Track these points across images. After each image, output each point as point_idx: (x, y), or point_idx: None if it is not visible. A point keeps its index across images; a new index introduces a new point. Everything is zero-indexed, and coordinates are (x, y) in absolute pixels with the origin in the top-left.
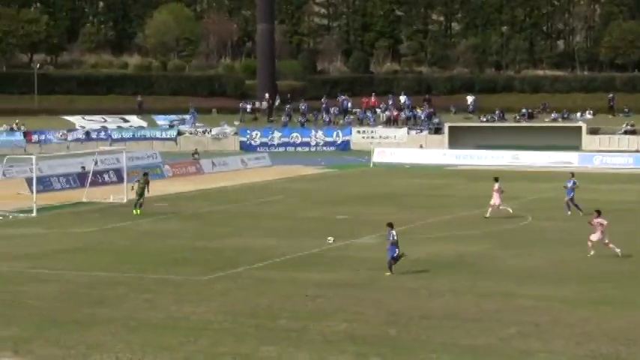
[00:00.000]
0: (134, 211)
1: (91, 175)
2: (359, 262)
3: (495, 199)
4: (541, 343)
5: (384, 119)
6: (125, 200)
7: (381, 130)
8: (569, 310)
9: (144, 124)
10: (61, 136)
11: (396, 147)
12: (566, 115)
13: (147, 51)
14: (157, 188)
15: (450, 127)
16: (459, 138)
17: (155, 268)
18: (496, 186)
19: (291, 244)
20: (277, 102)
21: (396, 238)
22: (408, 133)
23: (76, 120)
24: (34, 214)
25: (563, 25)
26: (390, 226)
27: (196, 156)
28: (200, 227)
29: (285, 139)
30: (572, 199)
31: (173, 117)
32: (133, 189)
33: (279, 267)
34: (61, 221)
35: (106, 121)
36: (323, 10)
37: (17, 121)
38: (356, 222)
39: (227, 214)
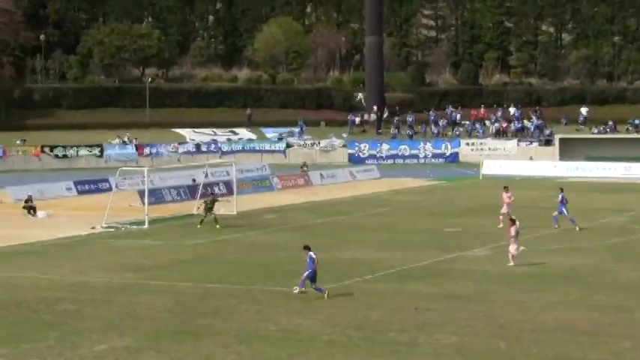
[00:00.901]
0: (199, 225)
1: (201, 187)
2: (467, 274)
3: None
4: None
5: (493, 131)
6: (235, 212)
7: (490, 142)
8: None
9: (253, 136)
10: (172, 148)
11: (506, 159)
12: None
13: (256, 64)
14: (266, 200)
15: (561, 139)
16: (569, 150)
17: (265, 279)
18: (505, 194)
19: (400, 257)
20: (386, 114)
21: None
22: (518, 145)
23: (187, 133)
24: (146, 225)
25: None
26: (307, 249)
27: (305, 168)
28: (308, 239)
29: (394, 152)
30: (561, 213)
31: (282, 129)
32: (198, 209)
33: (387, 279)
34: (172, 233)
35: (215, 133)
36: (431, 22)
37: (128, 134)
38: (465, 234)
39: (335, 226)
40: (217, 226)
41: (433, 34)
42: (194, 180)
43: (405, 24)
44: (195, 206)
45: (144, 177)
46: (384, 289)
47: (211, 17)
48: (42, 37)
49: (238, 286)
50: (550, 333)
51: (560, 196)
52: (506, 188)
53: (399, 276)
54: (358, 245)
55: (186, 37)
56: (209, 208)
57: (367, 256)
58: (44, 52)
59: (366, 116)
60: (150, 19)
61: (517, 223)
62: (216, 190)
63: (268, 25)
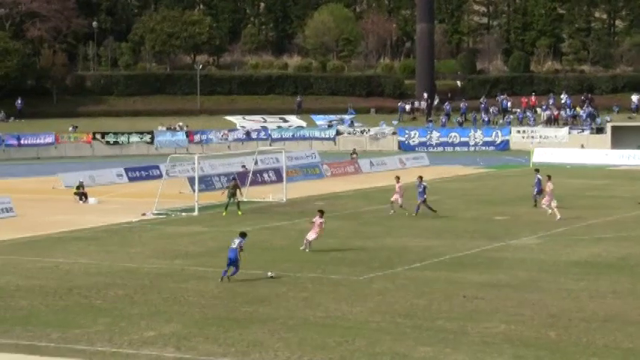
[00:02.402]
0: (224, 212)
1: (251, 174)
2: (517, 263)
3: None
4: None
5: (544, 119)
6: (285, 200)
7: (541, 130)
8: None
9: (303, 124)
10: (222, 135)
11: (557, 147)
12: None
13: (307, 51)
14: (315, 187)
15: (613, 127)
16: (621, 138)
17: (313, 266)
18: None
19: (449, 245)
20: (436, 102)
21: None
22: (569, 133)
23: (237, 120)
24: (196, 212)
25: None
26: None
27: (354, 156)
28: (357, 227)
29: (444, 139)
30: (424, 202)
31: (332, 117)
32: (223, 194)
33: (436, 267)
34: (221, 220)
35: (265, 121)
36: (483, 9)
37: (180, 123)
38: (514, 223)
39: (384, 213)
40: (239, 212)
41: (484, 21)
42: (244, 167)
43: (456, 11)
44: (221, 192)
45: (194, 164)
46: (433, 276)
47: (262, 4)
48: (94, 24)
49: (287, 273)
50: (600, 322)
51: (421, 186)
52: (549, 177)
53: (448, 264)
54: (407, 233)
55: (237, 23)
56: (232, 194)
57: (416, 243)
58: (96, 39)
59: (416, 104)
60: (201, 6)
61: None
62: (265, 177)
63: (319, 12)
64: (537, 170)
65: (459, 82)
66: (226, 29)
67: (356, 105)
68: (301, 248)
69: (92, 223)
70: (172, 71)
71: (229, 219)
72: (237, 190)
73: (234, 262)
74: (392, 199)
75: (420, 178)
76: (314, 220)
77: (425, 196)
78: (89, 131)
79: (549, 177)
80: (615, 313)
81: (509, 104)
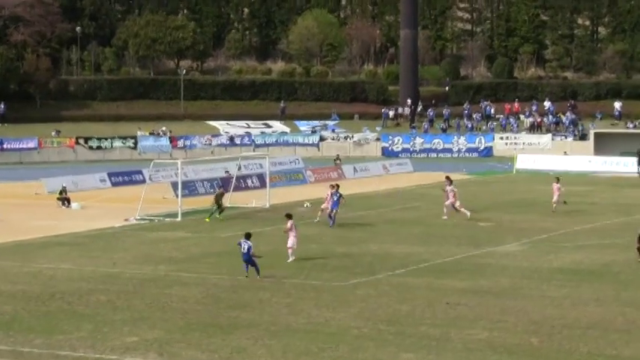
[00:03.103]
0: (206, 219)
1: (234, 180)
2: (500, 269)
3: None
4: None
5: (528, 125)
6: (268, 205)
7: (524, 137)
8: None
9: (287, 129)
10: (206, 141)
11: (540, 153)
12: None
13: (290, 57)
14: (299, 193)
15: (596, 134)
16: (604, 145)
17: (296, 272)
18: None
19: (432, 251)
20: (419, 108)
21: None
22: (553, 140)
23: (221, 125)
24: (179, 218)
25: None
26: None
27: (338, 161)
28: (340, 232)
29: (427, 145)
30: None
31: (315, 123)
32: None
33: (419, 274)
34: (205, 225)
35: (249, 126)
36: (467, 15)
37: (163, 128)
38: (497, 229)
39: (368, 219)
40: (218, 216)
41: (468, 27)
42: (227, 172)
43: (440, 17)
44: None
45: (177, 169)
46: (416, 283)
47: (246, 9)
48: (78, 28)
49: (270, 279)
50: (582, 329)
51: (337, 195)
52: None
53: (431, 270)
54: (390, 239)
55: (221, 29)
56: (218, 203)
57: (399, 250)
58: (80, 44)
59: (400, 110)
60: (185, 11)
61: None
62: (248, 182)
63: (303, 18)
64: (336, 186)
65: (447, 88)
66: (210, 34)
67: (340, 111)
68: (288, 261)
69: (75, 228)
70: (156, 76)
71: (213, 225)
72: (222, 199)
73: (250, 262)
74: (322, 206)
75: (337, 186)
76: (287, 226)
77: (338, 207)
78: (72, 136)
79: (449, 179)
80: (598, 320)
81: (492, 110)
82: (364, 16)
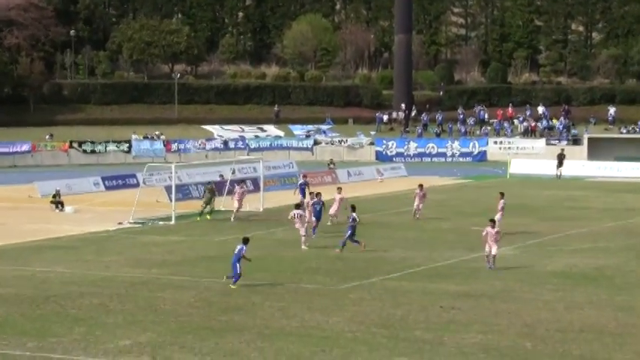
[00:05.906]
0: (198, 218)
1: (228, 184)
2: (493, 273)
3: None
4: None
5: (522, 130)
6: (261, 209)
7: (518, 141)
8: None
9: (281, 133)
10: (200, 145)
11: (534, 158)
12: None
13: (285, 61)
14: (293, 197)
15: (590, 139)
16: (598, 149)
17: (289, 276)
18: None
19: (426, 255)
20: (414, 112)
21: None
22: (547, 144)
23: (215, 129)
24: (173, 221)
25: None
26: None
27: (332, 166)
28: (334, 236)
29: (421, 150)
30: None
31: (309, 127)
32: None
33: (413, 278)
34: (198, 229)
35: (243, 130)
36: (461, 20)
37: (157, 132)
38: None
39: (361, 223)
40: (207, 216)
41: (462, 32)
42: (221, 176)
43: (434, 22)
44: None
45: (171, 173)
46: (410, 287)
47: (241, 14)
48: (72, 32)
49: (263, 282)
50: (576, 333)
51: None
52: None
53: (425, 274)
54: (384, 243)
55: (215, 33)
56: (208, 201)
57: (393, 254)
58: (74, 47)
59: (394, 114)
60: (179, 16)
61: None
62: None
63: (297, 22)
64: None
65: (441, 92)
66: (204, 38)
67: (334, 115)
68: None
69: (69, 231)
70: (150, 80)
71: (206, 228)
72: (213, 197)
73: (233, 266)
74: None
75: (319, 194)
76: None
77: (320, 217)
78: (66, 140)
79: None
80: (591, 324)
81: (486, 115)
82: (358, 21)
